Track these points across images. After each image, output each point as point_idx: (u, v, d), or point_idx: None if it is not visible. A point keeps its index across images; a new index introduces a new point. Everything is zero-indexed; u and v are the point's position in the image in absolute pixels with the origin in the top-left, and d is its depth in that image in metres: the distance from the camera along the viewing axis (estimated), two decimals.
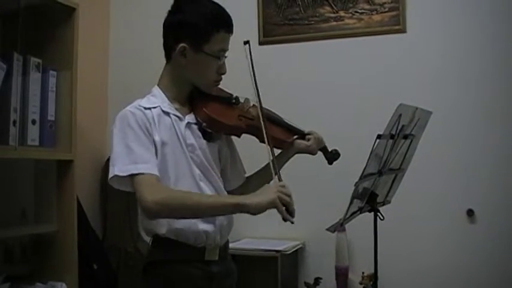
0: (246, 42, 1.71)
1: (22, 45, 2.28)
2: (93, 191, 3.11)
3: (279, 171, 1.59)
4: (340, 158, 1.94)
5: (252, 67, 1.69)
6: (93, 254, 2.78)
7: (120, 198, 3.03)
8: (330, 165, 1.95)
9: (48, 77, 2.33)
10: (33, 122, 2.25)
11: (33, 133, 2.25)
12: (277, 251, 2.59)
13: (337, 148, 1.94)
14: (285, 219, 1.49)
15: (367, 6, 2.85)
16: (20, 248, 2.45)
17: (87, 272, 2.67)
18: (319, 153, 1.92)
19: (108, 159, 3.11)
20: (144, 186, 1.50)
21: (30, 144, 2.24)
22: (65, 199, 2.40)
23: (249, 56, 1.70)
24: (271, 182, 1.62)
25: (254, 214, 1.48)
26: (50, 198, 2.41)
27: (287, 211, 1.48)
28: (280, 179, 1.57)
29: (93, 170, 3.09)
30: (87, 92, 2.78)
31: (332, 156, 1.94)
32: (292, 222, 1.49)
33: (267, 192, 1.51)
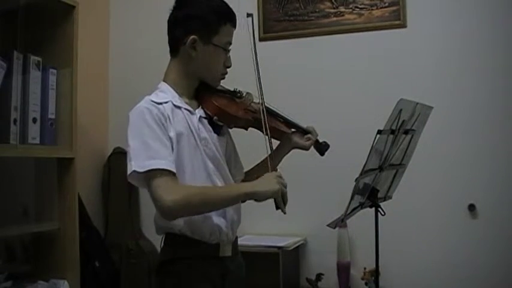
0: (249, 15, 1.73)
1: (22, 44, 2.28)
2: (95, 188, 3.11)
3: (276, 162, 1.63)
4: (329, 148, 1.96)
5: (254, 43, 1.69)
6: (94, 251, 2.79)
7: (121, 196, 3.03)
8: (322, 156, 1.97)
9: (48, 75, 2.32)
10: (34, 120, 2.25)
11: (33, 131, 2.25)
12: (278, 247, 2.59)
13: (326, 140, 1.96)
14: (278, 207, 1.54)
15: (367, 1, 2.84)
16: (22, 246, 2.45)
17: (89, 270, 2.68)
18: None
19: (110, 157, 3.14)
20: (162, 186, 1.48)
21: (31, 143, 2.24)
22: (66, 197, 2.40)
23: (251, 29, 1.71)
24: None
25: (259, 201, 1.53)
26: (51, 196, 2.41)
27: (283, 201, 1.54)
28: (276, 169, 1.62)
29: (94, 167, 3.10)
30: (88, 90, 2.78)
31: (323, 148, 1.96)
32: (284, 213, 1.55)
33: (271, 182, 1.54)
